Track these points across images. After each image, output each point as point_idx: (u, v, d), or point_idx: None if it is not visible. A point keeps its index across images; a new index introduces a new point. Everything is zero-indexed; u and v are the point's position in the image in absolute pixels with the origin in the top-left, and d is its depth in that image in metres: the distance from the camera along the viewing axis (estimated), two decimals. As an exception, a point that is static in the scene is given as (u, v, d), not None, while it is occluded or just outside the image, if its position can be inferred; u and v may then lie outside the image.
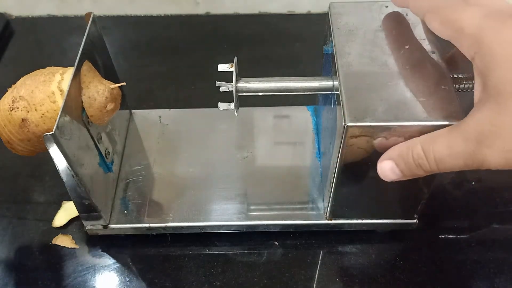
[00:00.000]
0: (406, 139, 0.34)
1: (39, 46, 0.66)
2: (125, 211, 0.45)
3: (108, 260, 0.45)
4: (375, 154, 0.36)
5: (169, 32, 0.68)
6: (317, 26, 0.69)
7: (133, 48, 0.67)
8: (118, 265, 0.45)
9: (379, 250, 0.45)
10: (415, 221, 0.44)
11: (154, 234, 0.45)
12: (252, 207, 0.46)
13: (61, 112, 0.35)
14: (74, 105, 0.38)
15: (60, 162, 0.36)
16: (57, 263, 0.45)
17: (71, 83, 0.37)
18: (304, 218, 0.45)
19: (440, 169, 0.32)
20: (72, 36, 0.67)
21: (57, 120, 0.34)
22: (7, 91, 0.40)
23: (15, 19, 0.70)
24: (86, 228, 0.44)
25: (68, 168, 0.37)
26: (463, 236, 0.47)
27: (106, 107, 0.39)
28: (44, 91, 0.38)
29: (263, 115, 0.53)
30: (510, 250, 0.45)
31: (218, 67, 0.40)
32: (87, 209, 0.42)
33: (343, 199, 0.42)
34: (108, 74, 0.44)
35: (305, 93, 0.41)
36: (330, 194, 0.41)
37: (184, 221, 0.45)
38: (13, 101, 0.38)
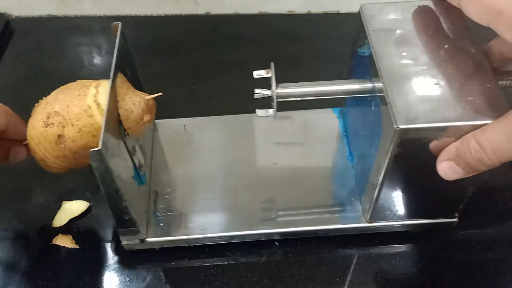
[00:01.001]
0: (457, 138, 0.34)
1: (39, 46, 0.66)
2: (161, 224, 0.45)
3: (108, 260, 0.45)
4: (425, 155, 0.35)
5: (169, 32, 0.68)
6: (317, 26, 0.69)
7: (133, 48, 0.66)
8: (118, 265, 0.45)
9: (379, 250, 0.45)
10: (455, 219, 0.44)
11: (192, 246, 0.45)
12: (288, 213, 0.46)
13: (104, 126, 0.34)
14: (112, 118, 0.37)
15: (104, 178, 0.36)
16: (57, 263, 0.45)
17: (109, 97, 0.36)
18: (343, 222, 0.44)
19: (500, 159, 0.32)
20: (72, 36, 0.67)
21: (101, 134, 0.34)
22: (34, 106, 0.40)
23: (15, 19, 0.70)
24: (123, 243, 0.44)
25: (111, 183, 0.36)
26: (463, 236, 0.47)
27: (143, 118, 0.39)
28: (80, 105, 0.37)
29: (289, 120, 0.53)
30: (510, 250, 0.45)
31: (254, 74, 0.40)
32: (126, 224, 0.41)
33: (387, 201, 0.42)
34: (135, 85, 0.43)
35: (344, 96, 0.41)
36: (373, 197, 0.41)
37: (222, 232, 0.44)
38: (48, 117, 0.37)
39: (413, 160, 0.37)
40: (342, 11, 0.71)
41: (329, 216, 0.45)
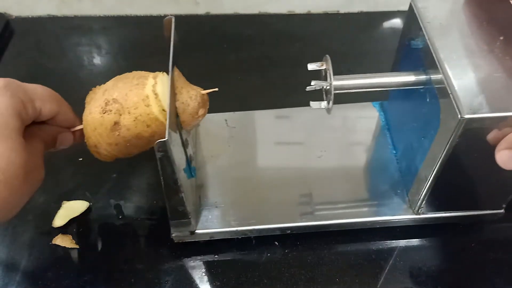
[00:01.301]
0: None
1: (39, 46, 0.66)
2: (209, 216, 0.45)
3: (108, 260, 0.45)
4: (483, 145, 0.36)
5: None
6: (317, 26, 0.69)
7: (133, 48, 0.67)
8: (118, 264, 0.45)
9: (377, 248, 0.46)
10: (502, 211, 0.44)
11: (239, 237, 0.45)
12: (334, 206, 0.46)
13: (169, 117, 0.35)
14: (173, 110, 0.37)
15: (166, 169, 0.36)
16: (57, 263, 0.45)
17: (170, 89, 0.37)
18: (390, 214, 0.45)
19: None
20: (72, 36, 0.67)
21: (167, 125, 0.34)
22: (89, 93, 0.40)
23: (15, 19, 0.70)
24: (173, 235, 0.44)
25: (172, 174, 0.37)
26: (463, 236, 0.47)
27: (198, 112, 0.39)
28: (138, 95, 0.37)
29: (330, 114, 0.54)
30: (510, 250, 0.45)
31: (308, 66, 0.40)
32: (179, 216, 0.42)
33: (438, 192, 0.42)
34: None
35: (398, 88, 0.41)
36: (424, 188, 0.41)
37: (269, 223, 0.45)
38: (106, 104, 0.37)
39: (470, 150, 0.37)
40: (342, 11, 0.71)
41: (375, 209, 0.46)
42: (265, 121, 0.54)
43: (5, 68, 0.63)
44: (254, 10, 0.71)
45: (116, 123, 0.37)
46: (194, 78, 0.61)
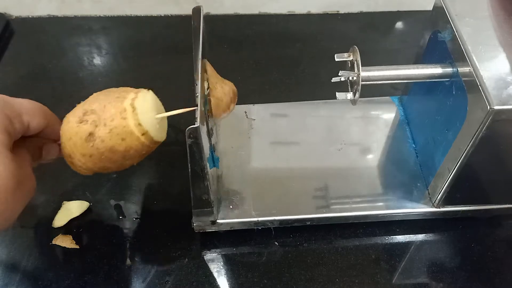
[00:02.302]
0: None
1: (39, 46, 0.66)
2: (230, 206, 0.45)
3: (108, 260, 0.45)
4: (509, 138, 0.36)
5: (169, 32, 0.68)
6: (317, 26, 0.69)
7: (133, 48, 0.67)
8: (117, 264, 0.45)
9: (375, 247, 0.46)
10: None
11: (260, 228, 0.45)
12: (353, 199, 0.47)
13: (199, 103, 0.35)
14: (202, 99, 0.38)
15: (195, 156, 0.37)
16: (57, 263, 0.45)
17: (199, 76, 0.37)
18: (409, 207, 0.45)
19: None
20: (72, 36, 0.67)
21: (197, 111, 0.35)
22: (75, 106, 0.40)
23: (15, 19, 0.70)
24: (194, 224, 0.44)
25: (200, 162, 0.37)
26: (463, 235, 0.47)
27: (229, 107, 0.40)
28: (116, 107, 0.37)
29: (348, 108, 0.53)
30: (510, 250, 0.45)
31: (335, 57, 0.40)
32: (202, 205, 0.42)
33: (460, 185, 0.42)
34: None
35: (424, 80, 0.41)
36: (446, 182, 0.42)
37: (291, 214, 0.45)
38: (84, 114, 0.37)
39: (496, 142, 0.38)
40: (342, 11, 0.71)
41: (395, 202, 0.46)
42: (285, 113, 0.54)
43: (5, 68, 0.63)
44: (254, 10, 0.71)
45: (91, 134, 0.37)
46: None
